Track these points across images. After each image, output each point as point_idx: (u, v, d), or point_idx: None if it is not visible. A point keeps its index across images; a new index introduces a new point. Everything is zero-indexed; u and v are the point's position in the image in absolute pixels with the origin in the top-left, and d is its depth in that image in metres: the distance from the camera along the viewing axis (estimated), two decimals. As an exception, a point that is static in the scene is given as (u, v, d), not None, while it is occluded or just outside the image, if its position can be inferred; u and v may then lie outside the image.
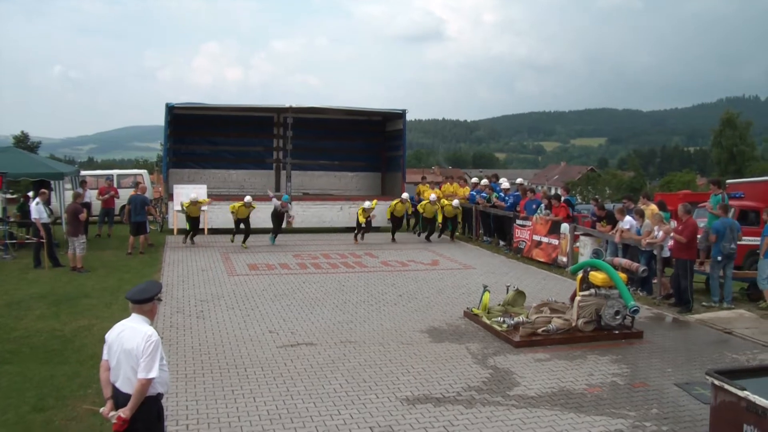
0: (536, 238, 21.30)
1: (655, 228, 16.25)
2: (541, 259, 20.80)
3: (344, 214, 27.49)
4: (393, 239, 25.45)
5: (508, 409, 8.73)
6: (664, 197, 23.13)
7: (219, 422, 8.01)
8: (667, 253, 16.06)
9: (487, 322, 12.77)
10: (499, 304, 13.69)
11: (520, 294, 13.96)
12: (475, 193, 26.34)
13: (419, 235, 26.40)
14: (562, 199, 22.23)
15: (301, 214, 26.74)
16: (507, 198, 24.41)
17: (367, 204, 24.66)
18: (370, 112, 32.61)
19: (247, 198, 22.85)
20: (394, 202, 25.45)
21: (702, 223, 16.69)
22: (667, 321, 14.37)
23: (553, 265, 20.01)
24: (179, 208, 23.51)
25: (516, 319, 12.39)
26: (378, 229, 27.06)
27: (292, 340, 11.69)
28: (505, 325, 12.33)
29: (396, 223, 25.82)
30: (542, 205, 21.97)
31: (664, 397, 9.39)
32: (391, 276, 17.83)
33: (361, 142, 33.55)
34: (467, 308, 13.91)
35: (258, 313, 13.59)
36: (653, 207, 17.68)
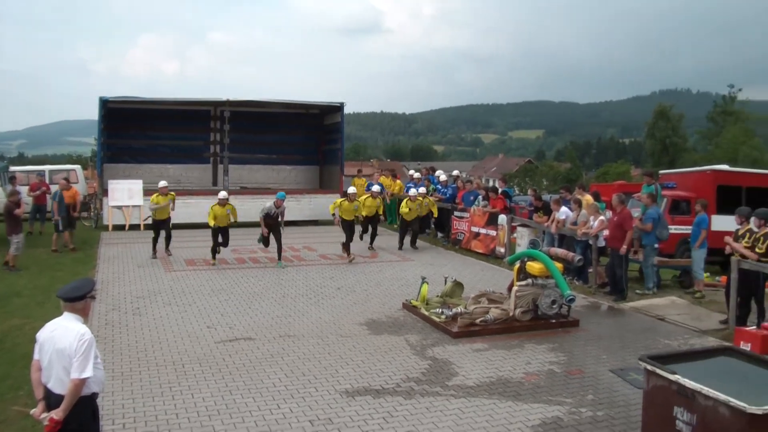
0: (474, 229, 21.46)
1: (591, 218, 16.48)
2: (479, 250, 20.96)
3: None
4: (371, 246, 21.54)
5: (447, 399, 8.79)
6: (600, 188, 23.46)
7: (156, 419, 7.92)
8: (602, 243, 16.30)
9: (426, 313, 12.83)
10: (438, 296, 13.76)
11: (458, 285, 14.05)
12: (412, 185, 26.37)
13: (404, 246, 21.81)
14: (500, 190, 22.43)
15: (239, 207, 26.50)
16: (445, 190, 24.52)
17: (351, 190, 20.84)
18: (308, 105, 32.70)
19: (222, 193, 19.36)
20: (363, 197, 21.49)
21: (636, 212, 16.96)
22: (602, 309, 14.60)
23: (491, 256, 20.18)
24: (146, 207, 20.87)
25: (454, 309, 12.47)
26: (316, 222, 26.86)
27: (231, 335, 11.62)
28: (443, 316, 12.39)
29: (365, 224, 21.50)
30: (480, 197, 22.13)
31: (599, 384, 9.54)
32: (330, 269, 17.82)
33: (299, 136, 33.51)
34: (406, 300, 13.97)
35: (196, 308, 13.47)
36: (588, 197, 17.93)
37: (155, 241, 19.41)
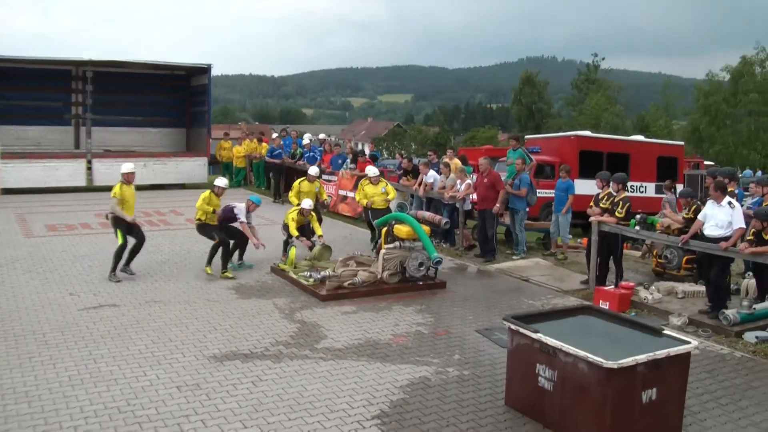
0: (342, 192, 21.51)
1: (458, 181, 16.73)
2: (347, 214, 21.06)
3: (148, 171, 26.77)
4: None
5: (316, 361, 8.81)
6: (467, 152, 23.89)
7: (15, 392, 7.61)
8: (468, 206, 16.58)
9: (294, 276, 12.84)
10: (306, 259, 13.79)
11: (326, 248, 14.11)
12: (279, 149, 26.19)
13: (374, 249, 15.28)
14: (368, 154, 22.55)
15: (103, 171, 25.85)
16: (310, 153, 24.41)
17: (307, 204, 14.75)
18: (173, 66, 32.16)
19: (220, 181, 14.24)
20: (296, 183, 16.58)
21: (502, 177, 17.29)
22: (469, 271, 14.90)
23: (358, 219, 20.25)
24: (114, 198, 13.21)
25: (322, 273, 12.47)
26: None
27: (95, 302, 11.31)
28: (311, 280, 12.40)
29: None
30: (348, 160, 22.19)
31: (465, 344, 9.75)
32: (197, 233, 17.47)
33: (165, 98, 32.64)
34: (274, 263, 13.94)
35: (57, 275, 13.06)
36: (456, 161, 18.20)
37: (121, 252, 13.14)
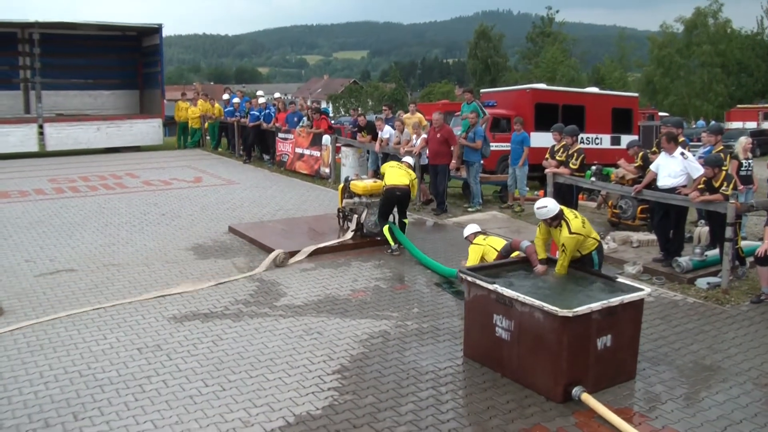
0: (299, 150, 21.43)
1: (414, 136, 16.74)
2: (304, 171, 20.99)
3: (102, 134, 26.48)
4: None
5: (276, 319, 8.85)
6: (424, 107, 23.84)
7: (-28, 358, 7.58)
8: (425, 161, 16.61)
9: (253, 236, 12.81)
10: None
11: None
12: (232, 109, 26.02)
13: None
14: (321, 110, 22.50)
15: (56, 136, 25.50)
16: (266, 111, 24.25)
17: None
18: (124, 27, 31.75)
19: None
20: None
21: (457, 131, 17.31)
22: (427, 225, 14.94)
23: (315, 177, 20.24)
24: None
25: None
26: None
27: (51, 267, 11.20)
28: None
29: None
30: (304, 118, 22.14)
31: (424, 297, 9.84)
32: (154, 195, 17.42)
33: (117, 59, 32.06)
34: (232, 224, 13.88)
35: (12, 242, 12.89)
36: (419, 116, 18.18)
37: None
